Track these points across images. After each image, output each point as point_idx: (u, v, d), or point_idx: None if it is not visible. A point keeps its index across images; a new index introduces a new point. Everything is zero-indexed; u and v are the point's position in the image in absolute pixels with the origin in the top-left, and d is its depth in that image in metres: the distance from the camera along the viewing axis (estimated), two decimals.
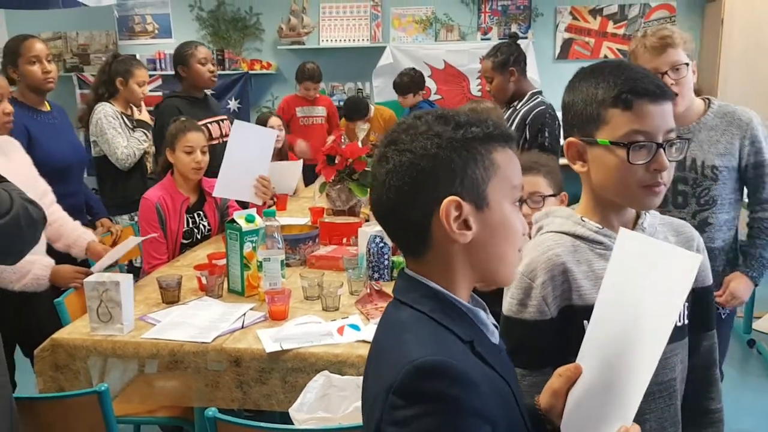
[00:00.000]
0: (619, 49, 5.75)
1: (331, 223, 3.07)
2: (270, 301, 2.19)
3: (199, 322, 2.17)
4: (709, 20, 5.52)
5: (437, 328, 0.94)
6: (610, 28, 5.74)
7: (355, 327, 2.10)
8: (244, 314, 2.20)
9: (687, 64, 2.16)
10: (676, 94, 2.08)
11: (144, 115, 3.67)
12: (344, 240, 2.93)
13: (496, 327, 1.04)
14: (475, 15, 5.85)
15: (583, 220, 1.28)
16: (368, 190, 3.38)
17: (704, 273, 1.34)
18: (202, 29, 6.27)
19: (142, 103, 3.70)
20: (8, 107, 2.42)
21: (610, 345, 1.04)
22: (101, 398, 1.68)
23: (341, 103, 5.85)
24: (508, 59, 3.31)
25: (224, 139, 3.58)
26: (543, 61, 5.71)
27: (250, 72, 6.15)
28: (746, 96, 4.76)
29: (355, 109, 5.05)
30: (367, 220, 3.23)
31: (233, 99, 6.15)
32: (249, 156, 3.05)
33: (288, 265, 2.70)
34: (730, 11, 5.17)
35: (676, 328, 1.25)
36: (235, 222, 2.40)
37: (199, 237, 3.05)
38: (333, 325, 2.11)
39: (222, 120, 3.84)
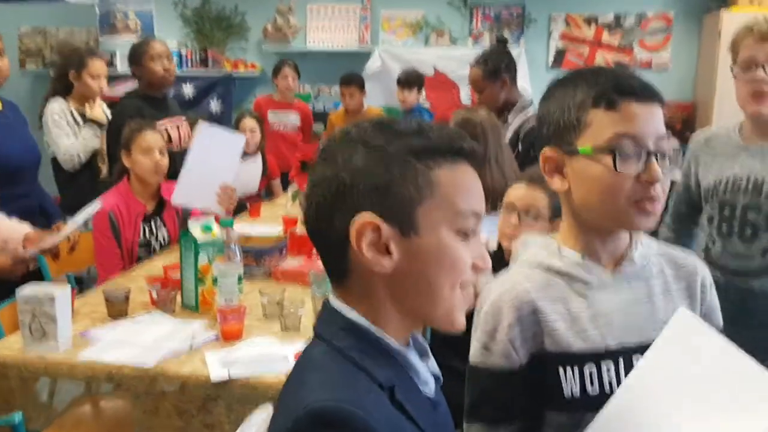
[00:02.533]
0: (614, 60, 5.59)
1: (301, 235, 2.89)
2: (222, 319, 2.00)
3: (145, 340, 1.98)
4: (706, 31, 5.37)
5: (351, 368, 0.81)
6: (605, 37, 5.57)
7: None
8: (193, 334, 2.01)
9: None
10: (765, 93, 1.75)
11: (96, 112, 3.44)
12: (314, 252, 2.74)
13: (438, 378, 0.90)
14: (467, 20, 5.68)
15: (561, 250, 1.10)
16: None
17: (713, 315, 1.16)
18: (185, 27, 6.08)
19: (98, 100, 3.48)
20: None
21: None
22: (14, 430, 1.49)
23: (326, 108, 5.69)
24: (499, 67, 3.11)
25: (182, 145, 3.37)
26: (536, 70, 5.53)
27: (234, 73, 5.97)
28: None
29: (354, 75, 4.90)
30: None
31: (215, 100, 5.96)
32: (214, 162, 2.87)
33: (252, 279, 2.52)
34: (728, 23, 5.01)
35: None
36: (189, 232, 2.21)
37: (157, 248, 2.86)
38: (290, 348, 1.92)
39: (181, 123, 3.59)
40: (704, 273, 1.17)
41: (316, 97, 5.93)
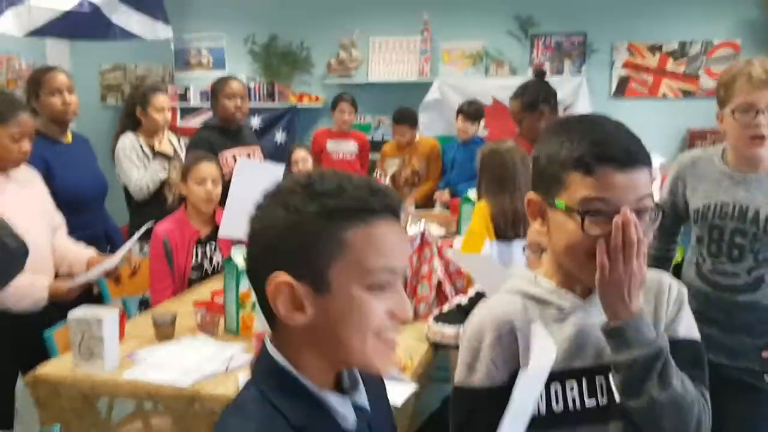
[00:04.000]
0: (679, 88, 5.47)
1: None
2: (258, 343, 2.08)
3: (186, 362, 2.08)
4: None
5: (269, 411, 0.87)
6: (670, 65, 5.47)
7: None
8: (231, 357, 2.09)
9: None
10: (765, 137, 1.85)
11: (164, 145, 3.62)
12: None
13: (364, 410, 0.94)
14: (527, 50, 5.69)
15: (537, 279, 1.16)
16: None
17: (678, 324, 1.16)
18: (254, 62, 6.34)
19: (165, 132, 3.67)
20: (26, 146, 2.43)
21: None
22: None
23: (384, 138, 5.79)
24: (536, 98, 3.13)
25: None
26: (598, 99, 5.48)
27: (298, 105, 6.16)
28: None
29: (406, 113, 4.97)
30: None
31: (281, 131, 6.16)
32: (255, 194, 2.98)
33: None
34: None
35: (583, 410, 1.12)
36: (232, 259, 2.31)
37: (210, 271, 2.98)
38: None
39: (254, 150, 3.82)
40: (675, 288, 1.18)
41: (376, 128, 6.05)
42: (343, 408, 0.91)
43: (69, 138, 3.09)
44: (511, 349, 1.11)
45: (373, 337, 0.87)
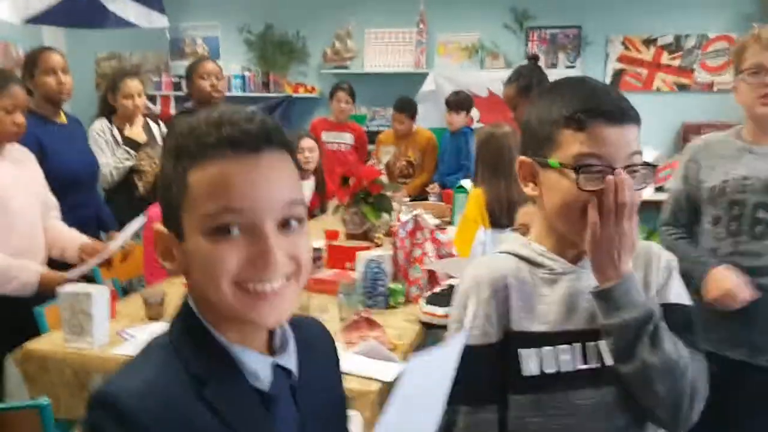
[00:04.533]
0: (673, 81, 5.49)
1: (339, 246, 2.97)
2: None
3: None
4: None
5: (168, 358, 0.82)
6: (665, 59, 5.48)
7: None
8: None
9: None
10: None
11: (134, 131, 3.57)
12: (348, 264, 2.81)
13: (288, 370, 0.87)
14: (522, 43, 5.70)
15: (530, 244, 1.17)
16: (382, 213, 3.29)
17: (669, 289, 1.16)
18: (249, 52, 6.34)
19: (138, 119, 3.61)
20: (19, 118, 2.42)
21: None
22: (42, 413, 1.59)
23: (379, 129, 5.79)
24: (530, 83, 3.12)
25: None
26: None
27: (294, 95, 6.16)
28: None
29: (407, 102, 4.96)
30: (379, 245, 3.11)
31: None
32: None
33: None
34: None
35: (576, 372, 1.11)
36: None
37: None
38: None
39: None
40: (664, 258, 1.18)
41: (371, 119, 6.05)
42: (256, 365, 0.84)
43: (63, 118, 3.08)
44: (504, 307, 1.12)
45: (231, 287, 0.79)
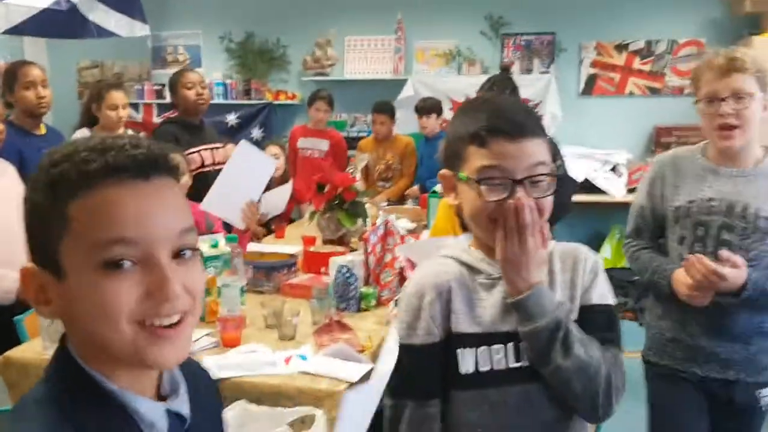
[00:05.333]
0: (646, 86, 5.62)
1: (314, 253, 3.05)
2: (222, 327, 2.16)
3: None
4: None
5: (55, 414, 0.74)
6: (636, 64, 5.61)
7: (303, 357, 2.05)
8: (197, 340, 2.18)
9: (752, 95, 1.81)
10: (735, 127, 1.81)
11: None
12: (322, 269, 2.89)
13: (181, 416, 0.84)
14: (498, 49, 5.82)
15: (470, 249, 1.27)
16: (357, 219, 3.38)
17: (592, 290, 1.24)
18: (230, 59, 6.41)
19: (121, 130, 3.63)
20: None
21: None
22: None
23: (359, 135, 5.88)
24: (503, 92, 3.26)
25: (216, 167, 3.55)
26: (567, 97, 5.61)
27: (275, 102, 6.24)
28: None
29: (385, 104, 5.07)
30: (354, 249, 3.20)
31: (257, 128, 6.24)
32: (245, 179, 3.05)
33: (261, 293, 2.69)
34: (760, 49, 4.99)
35: (509, 370, 1.20)
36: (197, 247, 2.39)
37: None
38: (281, 354, 2.07)
39: (216, 148, 3.78)
40: (591, 260, 1.26)
41: (352, 125, 6.15)
42: (151, 414, 0.79)
43: (42, 130, 3.15)
44: (447, 309, 1.22)
45: (131, 325, 0.74)
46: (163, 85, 6.41)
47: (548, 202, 1.16)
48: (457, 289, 1.23)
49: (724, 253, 1.79)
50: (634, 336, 2.21)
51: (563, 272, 1.24)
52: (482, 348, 1.20)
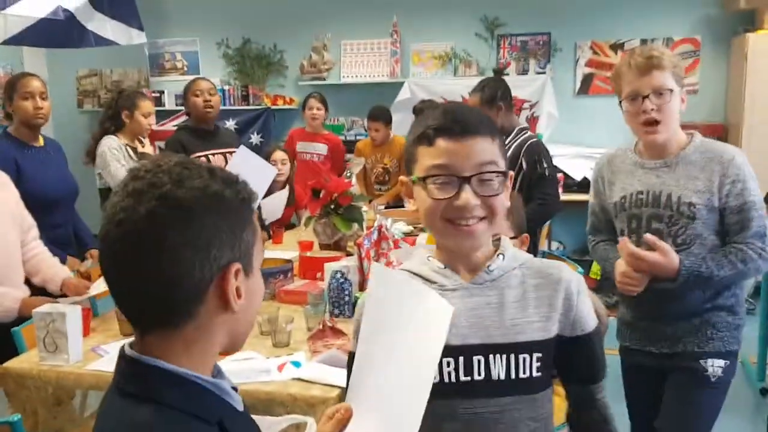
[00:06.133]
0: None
1: (310, 258, 3.07)
2: None
3: None
4: (735, 55, 5.36)
5: (185, 420, 0.84)
6: None
7: (296, 364, 2.07)
8: None
9: (672, 90, 1.91)
10: (657, 122, 1.91)
11: (148, 149, 3.72)
12: (318, 274, 2.91)
13: (235, 389, 0.96)
14: (494, 50, 5.83)
15: (430, 260, 1.26)
16: (353, 224, 3.39)
17: (580, 319, 1.21)
18: (228, 66, 6.44)
19: (147, 137, 3.76)
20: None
21: (379, 382, 1.06)
22: (13, 429, 1.69)
23: (357, 138, 5.90)
24: (495, 94, 3.28)
25: None
26: (563, 97, 5.63)
27: (273, 107, 6.27)
28: None
29: (380, 110, 5.07)
30: (351, 254, 3.22)
31: (256, 133, 6.26)
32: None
33: None
34: (754, 46, 5.01)
35: (516, 380, 1.18)
36: None
37: None
38: (275, 361, 2.08)
39: (230, 152, 3.84)
40: (570, 282, 1.22)
41: (349, 129, 6.17)
42: (233, 393, 0.94)
43: (41, 142, 3.18)
44: None
45: None
46: (162, 92, 6.46)
47: (499, 201, 1.16)
48: None
49: (648, 236, 1.91)
50: None
51: (538, 289, 1.20)
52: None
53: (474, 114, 1.20)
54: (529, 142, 3.28)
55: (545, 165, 3.26)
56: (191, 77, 6.47)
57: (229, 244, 0.86)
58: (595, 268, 5.48)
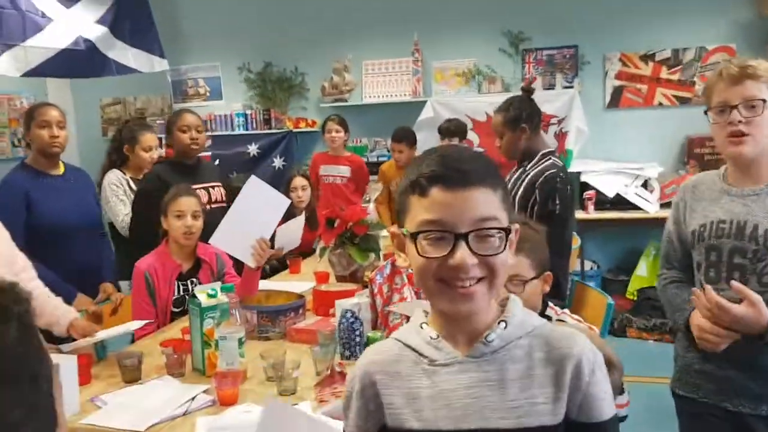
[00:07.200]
0: (674, 95, 5.40)
1: (324, 292, 2.93)
2: (218, 383, 2.06)
3: (147, 405, 2.06)
4: None
5: None
6: (664, 73, 5.40)
7: None
8: (192, 399, 2.08)
9: (765, 101, 1.72)
10: (745, 134, 1.72)
11: None
12: (331, 311, 2.77)
13: None
14: (519, 65, 5.67)
15: (422, 327, 1.10)
16: (370, 254, 3.25)
17: (590, 404, 1.03)
18: (249, 90, 6.39)
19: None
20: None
21: None
22: None
23: (379, 159, 5.78)
24: (520, 115, 3.07)
25: (213, 205, 3.47)
26: (592, 111, 5.44)
27: (295, 130, 6.19)
28: None
29: (404, 131, 4.96)
30: (365, 286, 3.08)
31: (278, 157, 6.19)
32: (256, 215, 2.95)
33: (268, 339, 2.59)
34: None
35: None
36: (196, 297, 2.31)
37: None
38: None
39: (213, 186, 3.64)
40: (582, 358, 1.03)
41: (372, 150, 6.05)
42: None
43: (61, 170, 3.15)
44: (374, 403, 1.09)
45: None
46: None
47: (500, 261, 1.01)
48: (387, 381, 1.08)
49: (735, 284, 1.67)
50: (671, 360, 2.06)
51: (546, 365, 1.03)
52: None
53: (475, 160, 1.04)
54: (546, 173, 2.95)
55: (557, 202, 2.97)
56: (214, 102, 6.53)
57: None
58: (632, 288, 5.25)
